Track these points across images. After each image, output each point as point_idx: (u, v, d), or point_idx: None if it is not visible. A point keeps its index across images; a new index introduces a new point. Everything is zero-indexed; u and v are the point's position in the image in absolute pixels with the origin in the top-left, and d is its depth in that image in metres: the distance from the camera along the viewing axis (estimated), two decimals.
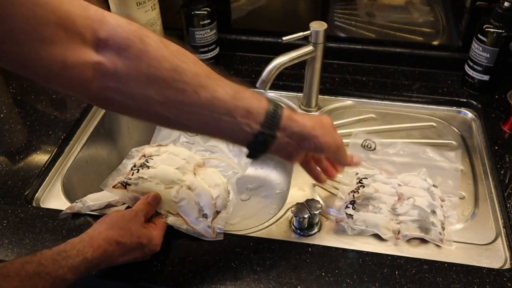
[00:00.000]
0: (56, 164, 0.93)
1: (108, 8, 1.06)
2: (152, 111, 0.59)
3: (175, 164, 0.88)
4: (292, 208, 0.78)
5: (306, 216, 0.77)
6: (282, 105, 0.66)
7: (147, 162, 0.88)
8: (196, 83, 0.59)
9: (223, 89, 0.61)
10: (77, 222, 0.79)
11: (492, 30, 0.97)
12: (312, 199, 0.79)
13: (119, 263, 0.68)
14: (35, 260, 0.59)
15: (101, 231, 0.67)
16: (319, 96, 1.05)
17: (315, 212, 0.77)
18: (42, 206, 0.86)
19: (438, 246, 0.77)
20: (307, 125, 0.66)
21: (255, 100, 0.63)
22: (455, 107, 1.06)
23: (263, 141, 0.63)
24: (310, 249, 0.75)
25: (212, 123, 0.61)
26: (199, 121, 0.61)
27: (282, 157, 0.69)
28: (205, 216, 0.79)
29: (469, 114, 1.04)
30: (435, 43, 1.13)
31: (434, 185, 0.85)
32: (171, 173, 0.85)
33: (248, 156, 0.67)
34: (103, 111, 1.07)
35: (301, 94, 1.06)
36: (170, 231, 0.77)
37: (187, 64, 0.59)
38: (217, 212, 0.81)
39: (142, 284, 0.71)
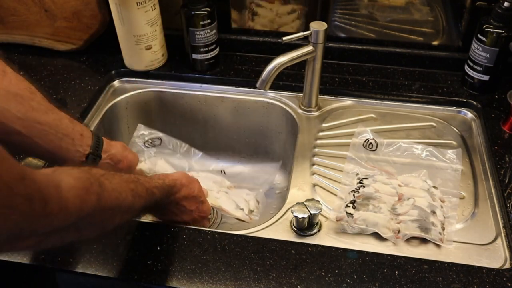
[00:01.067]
0: None
1: (108, 8, 1.06)
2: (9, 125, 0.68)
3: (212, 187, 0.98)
4: (292, 208, 0.78)
5: (306, 216, 0.77)
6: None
7: None
8: (47, 105, 0.72)
9: (62, 113, 0.74)
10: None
11: (492, 30, 0.97)
12: (312, 199, 0.79)
13: (173, 217, 0.80)
14: (133, 176, 0.69)
15: (176, 178, 0.79)
16: (319, 96, 1.05)
17: (315, 212, 0.77)
18: None
19: (438, 246, 0.77)
20: (118, 147, 0.83)
21: (84, 127, 0.78)
22: (455, 107, 1.06)
23: (92, 161, 0.77)
24: (310, 249, 0.75)
25: (55, 142, 0.72)
26: (47, 139, 0.71)
27: None
28: (241, 209, 0.92)
29: (469, 114, 1.04)
30: (435, 43, 1.13)
31: (434, 187, 0.85)
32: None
33: None
34: (103, 111, 1.07)
35: (301, 94, 1.06)
36: (171, 231, 0.77)
37: (36, 91, 0.73)
38: (250, 211, 0.94)
39: (142, 284, 0.71)
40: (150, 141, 1.09)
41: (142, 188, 0.67)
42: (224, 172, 1.13)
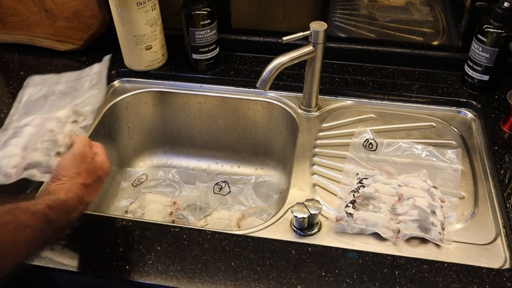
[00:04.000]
0: None
1: (108, 8, 1.06)
2: None
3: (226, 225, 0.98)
4: (292, 208, 0.78)
5: (306, 216, 0.77)
6: None
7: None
8: None
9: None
10: (76, 222, 0.79)
11: (492, 30, 0.97)
12: (312, 199, 0.79)
13: (91, 201, 0.72)
14: (11, 205, 0.59)
15: (64, 182, 0.69)
16: (319, 96, 1.05)
17: (315, 212, 0.77)
18: None
19: (438, 246, 0.77)
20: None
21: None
22: (454, 107, 1.06)
23: None
24: (310, 249, 0.75)
25: None
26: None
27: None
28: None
29: (469, 114, 1.04)
30: (435, 43, 1.13)
31: (434, 187, 0.85)
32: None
33: None
34: (103, 111, 1.07)
35: (301, 94, 1.06)
36: (171, 231, 0.77)
37: None
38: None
39: (142, 284, 0.71)
40: (136, 180, 1.13)
41: (26, 215, 0.58)
42: (221, 187, 1.14)
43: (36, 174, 0.73)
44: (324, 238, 0.78)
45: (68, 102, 0.82)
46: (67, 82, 0.86)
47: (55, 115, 0.79)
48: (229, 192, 1.11)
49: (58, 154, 0.74)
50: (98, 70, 0.86)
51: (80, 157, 0.72)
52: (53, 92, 0.84)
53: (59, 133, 0.76)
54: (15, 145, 0.74)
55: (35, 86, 0.86)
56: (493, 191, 0.86)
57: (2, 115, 1.03)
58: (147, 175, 1.15)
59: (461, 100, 1.05)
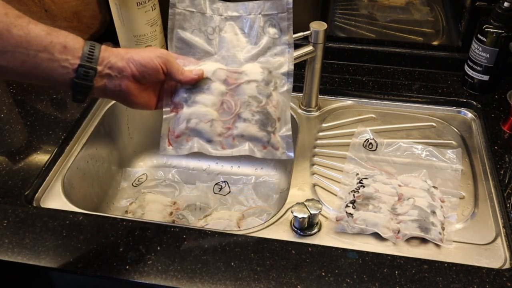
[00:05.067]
0: (56, 164, 0.93)
1: (108, 8, 1.06)
2: None
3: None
4: (292, 208, 0.78)
5: (306, 216, 0.77)
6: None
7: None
8: (7, 21, 0.60)
9: (37, 26, 0.63)
10: (77, 222, 0.80)
11: (492, 30, 0.97)
12: (312, 199, 0.79)
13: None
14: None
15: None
16: (319, 96, 1.05)
17: (315, 212, 0.77)
18: (42, 206, 0.86)
19: (438, 246, 0.77)
20: (121, 52, 0.70)
21: (71, 36, 0.65)
22: (455, 107, 1.06)
23: (85, 75, 0.65)
24: (310, 249, 0.75)
25: (29, 62, 0.62)
26: (15, 60, 0.62)
27: (116, 98, 0.72)
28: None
29: (469, 114, 1.04)
30: (435, 43, 1.13)
31: (434, 187, 0.85)
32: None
33: (74, 99, 0.68)
34: (104, 111, 1.07)
35: (301, 94, 1.06)
36: (171, 231, 0.77)
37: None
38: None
39: (142, 284, 0.71)
40: (136, 180, 1.13)
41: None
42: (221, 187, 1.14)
43: None
44: (324, 238, 0.78)
45: None
46: None
47: None
48: (229, 192, 1.11)
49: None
50: None
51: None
52: None
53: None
54: None
55: None
56: (493, 191, 0.86)
57: (2, 115, 1.03)
58: (147, 175, 1.15)
59: (461, 100, 1.05)
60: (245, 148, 0.78)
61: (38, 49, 0.62)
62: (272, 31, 0.81)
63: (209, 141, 0.77)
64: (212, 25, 0.81)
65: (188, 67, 0.77)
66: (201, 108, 0.76)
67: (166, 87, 0.77)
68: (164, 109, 0.78)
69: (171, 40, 0.81)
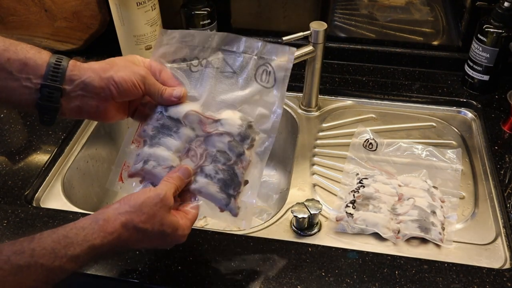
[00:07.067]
0: (56, 164, 0.93)
1: (108, 8, 1.06)
2: None
3: None
4: (292, 208, 0.78)
5: (306, 216, 0.77)
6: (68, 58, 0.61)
7: None
8: None
9: None
10: None
11: (492, 30, 0.97)
12: (312, 199, 0.79)
13: (135, 248, 0.62)
14: (27, 249, 0.52)
15: (121, 212, 0.58)
16: (319, 96, 1.05)
17: (315, 212, 0.77)
18: (42, 206, 0.86)
19: (438, 246, 0.77)
20: (96, 68, 0.61)
21: (33, 51, 0.59)
22: (455, 107, 1.06)
23: (49, 96, 0.58)
24: (310, 249, 0.75)
25: None
26: None
27: (91, 118, 0.65)
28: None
29: (469, 114, 1.04)
30: (435, 43, 1.13)
31: (434, 187, 0.85)
32: None
33: (41, 121, 0.62)
34: None
35: (301, 94, 1.06)
36: None
37: None
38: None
39: (142, 284, 0.71)
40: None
41: (42, 270, 0.52)
42: None
43: None
44: (324, 238, 0.78)
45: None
46: None
47: None
48: None
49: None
50: None
51: (160, 199, 0.60)
52: None
53: None
54: None
55: None
56: (493, 191, 0.86)
57: (2, 115, 1.03)
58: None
59: (461, 100, 1.05)
60: (199, 203, 0.68)
61: None
62: (265, 78, 0.70)
63: None
64: (199, 55, 0.70)
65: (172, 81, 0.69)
66: (162, 152, 0.68)
67: (140, 108, 0.70)
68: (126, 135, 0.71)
69: (154, 55, 0.71)
